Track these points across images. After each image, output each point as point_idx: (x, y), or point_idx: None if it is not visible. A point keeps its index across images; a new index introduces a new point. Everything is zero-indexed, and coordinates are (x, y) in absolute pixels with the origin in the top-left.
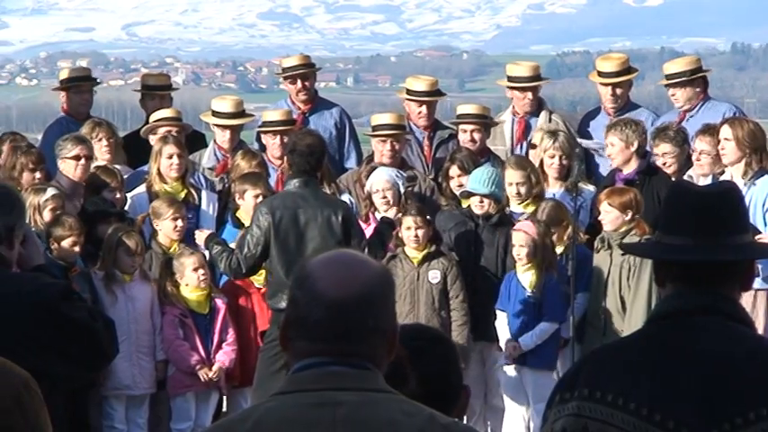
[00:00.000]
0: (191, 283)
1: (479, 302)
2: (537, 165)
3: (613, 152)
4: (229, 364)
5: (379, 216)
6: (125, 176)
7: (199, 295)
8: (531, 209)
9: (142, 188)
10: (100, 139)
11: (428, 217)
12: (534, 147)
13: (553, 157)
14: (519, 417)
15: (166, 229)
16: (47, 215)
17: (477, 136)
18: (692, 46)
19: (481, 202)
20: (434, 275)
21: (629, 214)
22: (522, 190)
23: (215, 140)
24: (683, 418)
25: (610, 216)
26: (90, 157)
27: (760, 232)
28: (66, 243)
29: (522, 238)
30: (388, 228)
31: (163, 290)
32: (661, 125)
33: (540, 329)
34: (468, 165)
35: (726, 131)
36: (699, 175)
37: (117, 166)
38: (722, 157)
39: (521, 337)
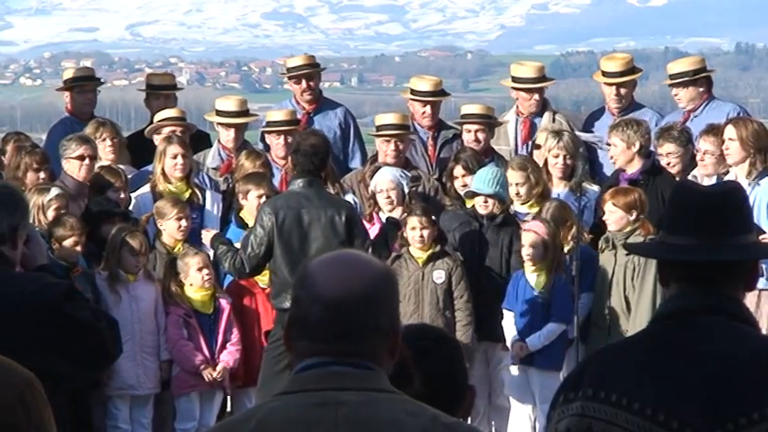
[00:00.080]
0: (195, 283)
1: (484, 302)
2: (541, 165)
3: (615, 153)
4: (233, 364)
5: (383, 216)
6: (129, 176)
7: (203, 295)
8: (535, 209)
9: (146, 188)
10: (104, 139)
11: (433, 217)
12: (538, 147)
13: (557, 156)
14: (525, 417)
15: (170, 229)
16: (51, 215)
17: (481, 136)
18: (696, 46)
19: (485, 202)
20: (439, 275)
21: (634, 214)
22: (522, 190)
23: (219, 140)
24: (687, 418)
25: (614, 216)
26: (94, 157)
27: (764, 232)
28: (67, 243)
29: (532, 238)
30: (393, 228)
31: (167, 290)
32: (665, 125)
33: (548, 330)
34: (472, 165)
35: (730, 131)
36: (703, 176)
37: (121, 166)
38: (726, 158)
39: (528, 337)
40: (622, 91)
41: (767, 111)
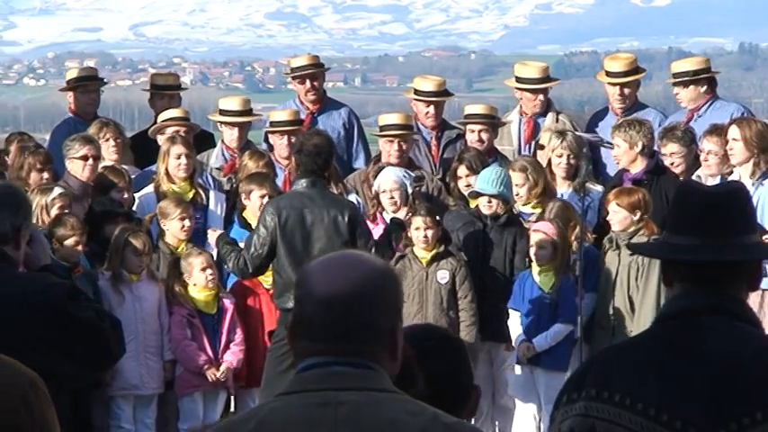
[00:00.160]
0: (199, 283)
1: (488, 302)
2: (545, 165)
3: (619, 153)
4: (237, 364)
5: (387, 216)
6: (133, 176)
7: (207, 295)
8: (539, 209)
9: (150, 188)
10: (107, 140)
11: (437, 217)
12: (542, 147)
13: (561, 156)
14: (530, 417)
15: (174, 229)
16: (54, 214)
17: (484, 136)
18: (699, 46)
19: (489, 202)
20: (443, 276)
21: (638, 214)
22: (521, 191)
23: (223, 140)
24: (691, 418)
25: (618, 216)
26: (98, 158)
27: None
28: (68, 243)
29: (541, 238)
30: (398, 228)
31: (171, 290)
32: (669, 125)
33: (555, 331)
34: (476, 165)
35: (734, 132)
36: (707, 176)
37: (124, 167)
38: (730, 158)
39: (534, 337)
40: (626, 91)
41: None
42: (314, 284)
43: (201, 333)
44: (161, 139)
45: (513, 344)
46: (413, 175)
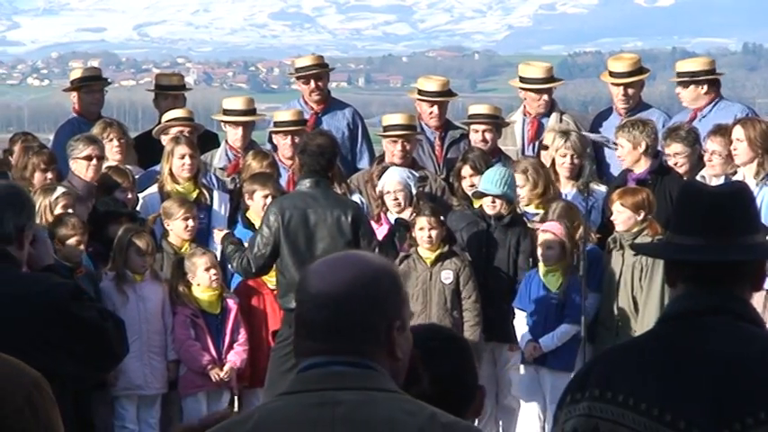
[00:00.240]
0: (202, 283)
1: (491, 303)
2: (549, 165)
3: (622, 153)
4: (241, 364)
5: (391, 217)
6: (136, 177)
7: (210, 295)
8: (543, 210)
9: (154, 188)
10: (111, 140)
11: (442, 217)
12: (546, 147)
13: (564, 156)
14: (534, 417)
15: (177, 229)
16: (57, 214)
17: (488, 136)
18: (703, 46)
19: (493, 202)
20: (447, 276)
21: (642, 214)
22: (522, 192)
23: (227, 140)
24: (694, 418)
25: (622, 216)
26: (101, 158)
27: None
28: (70, 242)
29: (549, 238)
30: (402, 229)
31: (174, 290)
32: (673, 125)
33: (561, 331)
34: (480, 165)
35: (738, 132)
36: (711, 176)
37: (128, 167)
38: (734, 158)
39: (540, 337)
40: (630, 91)
41: None
42: (309, 284)
43: (205, 333)
44: (165, 140)
45: (519, 343)
46: (417, 175)
